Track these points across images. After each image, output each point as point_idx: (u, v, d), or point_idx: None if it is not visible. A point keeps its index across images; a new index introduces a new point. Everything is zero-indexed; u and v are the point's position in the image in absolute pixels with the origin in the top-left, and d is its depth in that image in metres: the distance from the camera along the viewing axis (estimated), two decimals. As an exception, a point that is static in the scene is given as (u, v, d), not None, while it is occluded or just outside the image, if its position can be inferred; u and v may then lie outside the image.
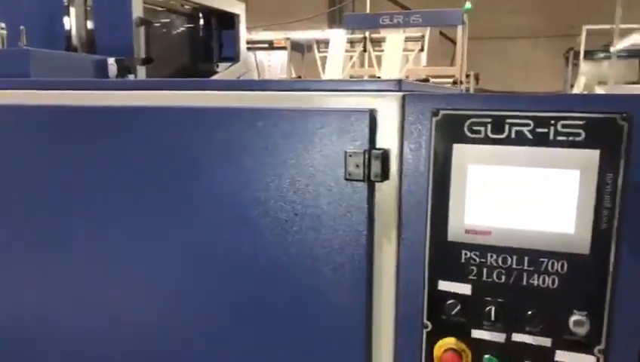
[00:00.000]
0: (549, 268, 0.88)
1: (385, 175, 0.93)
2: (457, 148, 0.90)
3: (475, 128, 0.88)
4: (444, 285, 0.94)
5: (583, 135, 0.83)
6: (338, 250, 0.97)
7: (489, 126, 0.88)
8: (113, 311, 1.16)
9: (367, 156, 0.92)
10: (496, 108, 0.87)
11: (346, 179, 0.94)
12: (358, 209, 0.94)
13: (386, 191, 0.95)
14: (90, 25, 1.78)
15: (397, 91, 0.93)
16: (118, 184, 1.11)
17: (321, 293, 0.99)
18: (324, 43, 5.60)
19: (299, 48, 7.35)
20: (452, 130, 0.90)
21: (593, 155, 0.83)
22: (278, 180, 0.98)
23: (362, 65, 6.01)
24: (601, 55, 7.54)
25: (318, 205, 0.97)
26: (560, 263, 0.87)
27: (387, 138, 0.93)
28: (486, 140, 0.88)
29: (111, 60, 1.60)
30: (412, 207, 0.94)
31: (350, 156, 0.92)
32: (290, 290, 1.02)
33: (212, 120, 1.02)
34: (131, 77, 1.64)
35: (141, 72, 1.81)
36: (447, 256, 0.93)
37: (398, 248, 0.96)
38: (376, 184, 0.95)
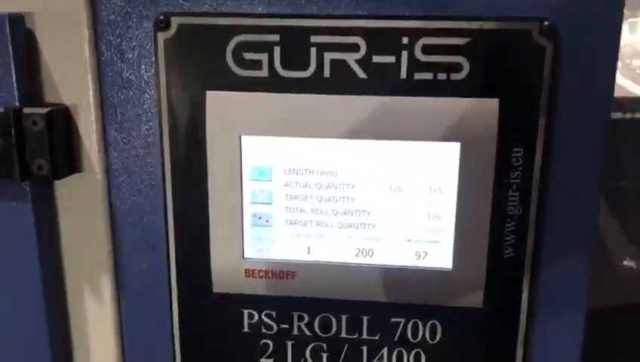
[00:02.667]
0: (410, 336, 0.45)
1: (67, 164, 0.43)
2: (216, 101, 0.41)
3: (248, 57, 0.40)
4: (212, 379, 0.47)
5: (467, 69, 0.39)
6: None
7: (277, 51, 0.40)
8: None
9: (14, 123, 0.40)
10: (289, 13, 0.40)
11: (-23, 177, 0.41)
12: (18, 240, 0.43)
13: (76, 200, 0.44)
14: None
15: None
16: None
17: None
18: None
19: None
20: (201, 61, 0.41)
21: (488, 113, 0.40)
22: None
23: None
24: None
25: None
26: (429, 326, 0.44)
27: (65, 84, 0.42)
28: (274, 83, 0.41)
29: None
30: (135, 228, 0.45)
31: (-25, 125, 0.40)
32: None
33: None
34: None
35: None
36: (214, 322, 0.46)
37: (118, 313, 0.47)
38: (56, 183, 0.44)
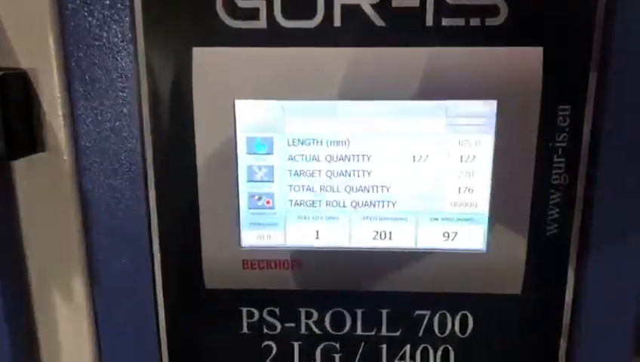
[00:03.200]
0: (437, 331, 0.39)
1: (26, 142, 0.36)
2: (204, 59, 0.35)
3: (242, 4, 0.34)
4: (207, 390, 0.40)
5: (505, 12, 0.33)
6: None
7: (276, -7, 0.34)
8: None
9: (-43, 91, 0.33)
10: (291, -54, 0.33)
11: None
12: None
13: (39, 184, 0.37)
14: None
15: None
16: None
17: None
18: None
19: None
20: (186, 12, 0.34)
21: (530, 64, 0.34)
22: None
23: None
24: None
25: None
26: (459, 318, 0.39)
27: (21, 44, 0.35)
28: (274, 36, 0.34)
29: None
30: (111, 217, 0.38)
31: None
32: None
33: None
34: None
35: None
36: (208, 323, 0.40)
37: (93, 317, 0.40)
38: (13, 164, 0.37)
